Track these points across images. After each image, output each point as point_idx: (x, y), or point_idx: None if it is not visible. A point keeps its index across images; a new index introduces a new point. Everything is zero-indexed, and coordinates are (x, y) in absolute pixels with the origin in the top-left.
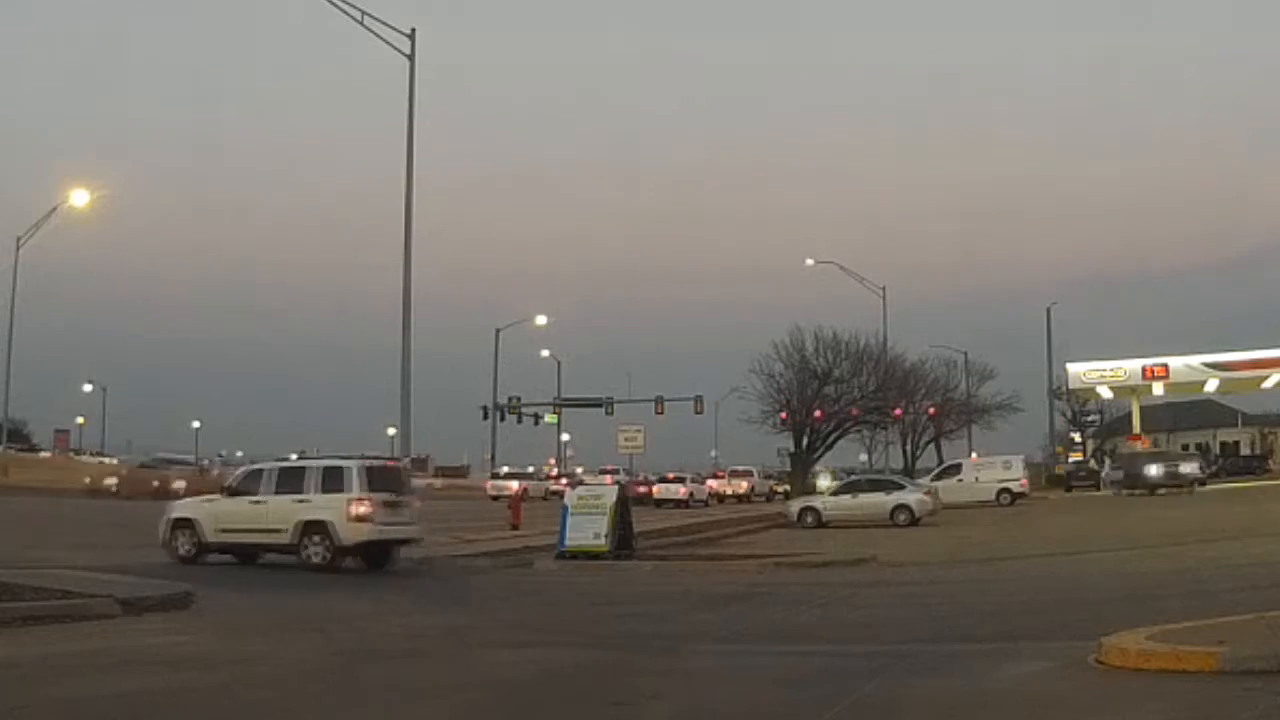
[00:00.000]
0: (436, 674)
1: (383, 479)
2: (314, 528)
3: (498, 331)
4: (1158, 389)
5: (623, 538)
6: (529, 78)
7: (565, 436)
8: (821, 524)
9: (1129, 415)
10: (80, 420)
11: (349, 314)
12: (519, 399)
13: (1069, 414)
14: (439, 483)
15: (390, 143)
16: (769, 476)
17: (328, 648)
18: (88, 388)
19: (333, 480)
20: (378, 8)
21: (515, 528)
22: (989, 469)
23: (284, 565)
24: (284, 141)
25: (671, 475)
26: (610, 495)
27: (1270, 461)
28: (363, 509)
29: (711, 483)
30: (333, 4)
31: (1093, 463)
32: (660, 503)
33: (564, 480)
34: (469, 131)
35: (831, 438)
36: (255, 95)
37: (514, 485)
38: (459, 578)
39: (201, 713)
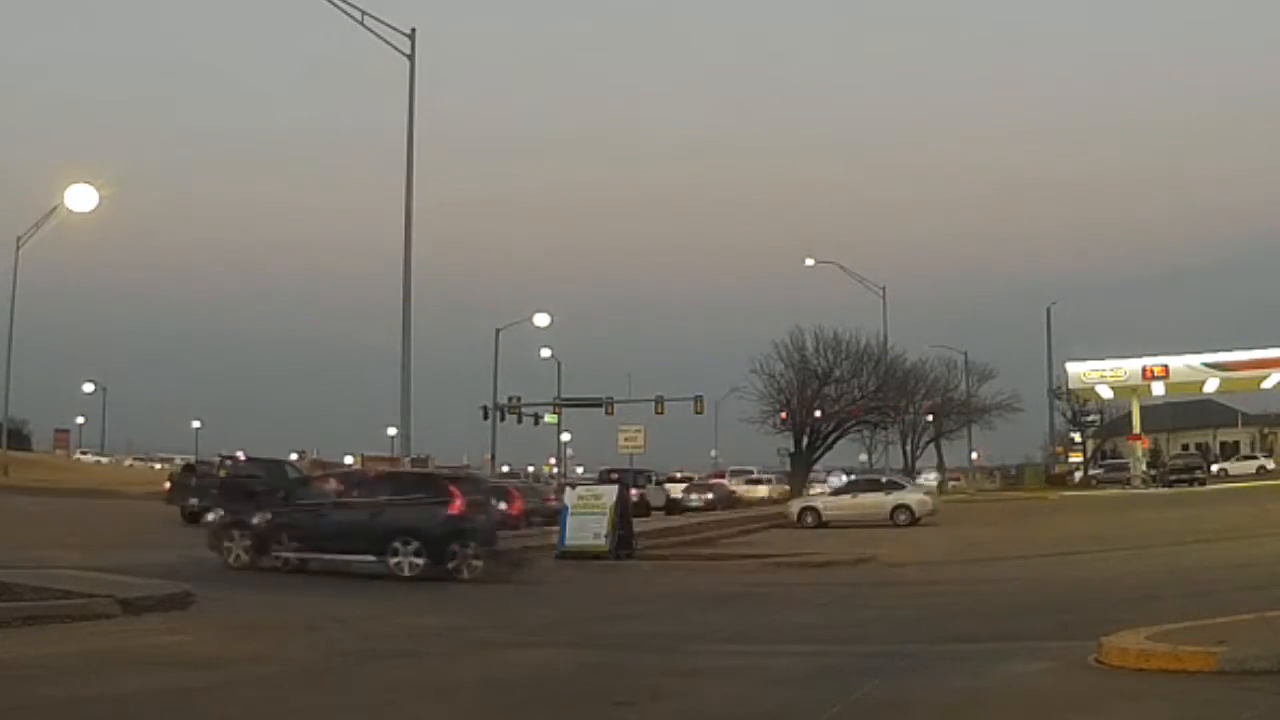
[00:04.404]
0: (436, 674)
1: None
2: None
3: (498, 331)
4: (1158, 389)
5: (623, 538)
6: (529, 76)
7: (565, 436)
8: (822, 524)
9: (1129, 415)
10: (80, 420)
11: (350, 314)
12: (519, 399)
13: (1069, 414)
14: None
15: (390, 142)
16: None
17: (328, 648)
18: (88, 388)
19: None
20: (378, 8)
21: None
22: None
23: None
24: (284, 140)
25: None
26: (610, 495)
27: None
28: None
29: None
30: (333, 4)
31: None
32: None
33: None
34: (469, 130)
35: (831, 438)
36: (255, 94)
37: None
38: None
39: (202, 713)
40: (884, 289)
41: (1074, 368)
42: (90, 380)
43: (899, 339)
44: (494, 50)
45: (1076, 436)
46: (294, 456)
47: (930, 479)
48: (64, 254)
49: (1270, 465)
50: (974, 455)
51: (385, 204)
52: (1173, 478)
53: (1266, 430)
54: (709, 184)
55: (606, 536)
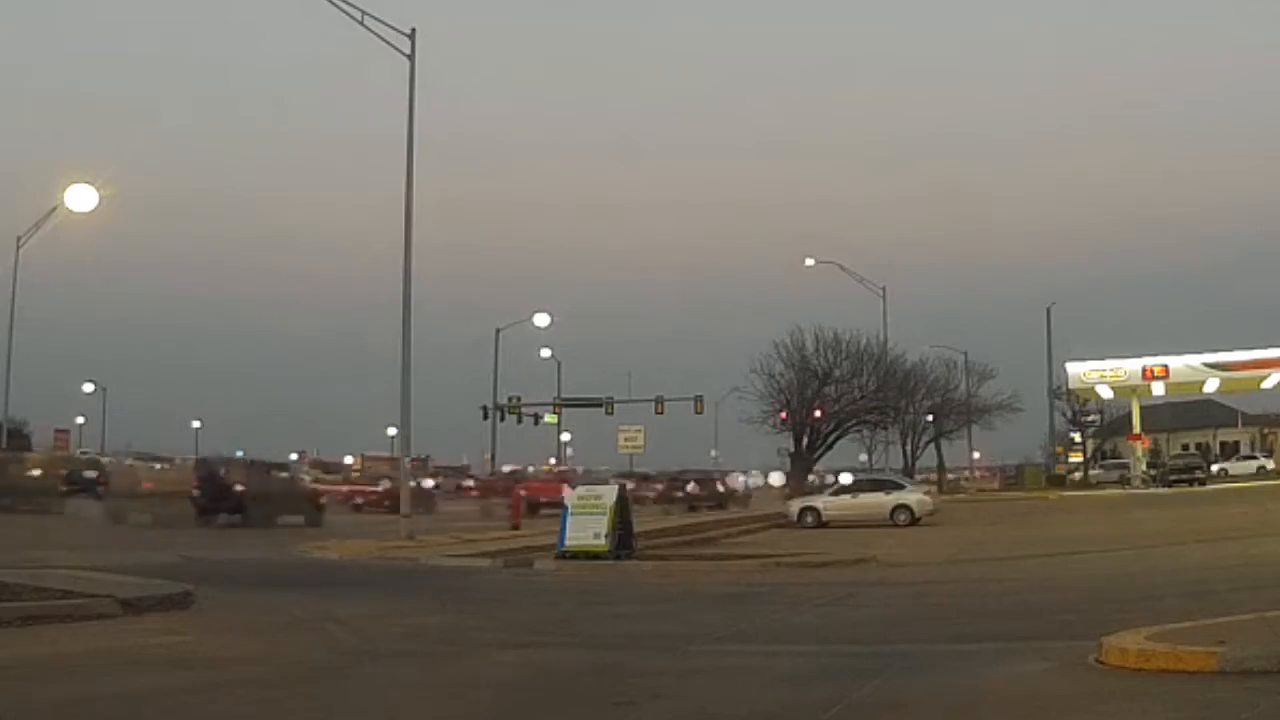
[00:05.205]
0: (436, 674)
1: None
2: None
3: (498, 331)
4: (1158, 389)
5: (623, 538)
6: (528, 76)
7: (565, 436)
8: (822, 524)
9: (1129, 415)
10: (80, 420)
11: (350, 314)
12: (519, 399)
13: (1069, 414)
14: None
15: (390, 143)
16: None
17: (328, 647)
18: (88, 388)
19: None
20: (378, 8)
21: (515, 528)
22: None
23: (283, 564)
24: (283, 140)
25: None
26: (610, 495)
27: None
28: None
29: None
30: (333, 4)
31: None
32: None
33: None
34: (468, 130)
35: (831, 438)
36: (255, 95)
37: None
38: (459, 578)
39: (202, 713)
40: (884, 289)
41: (1074, 368)
42: (90, 380)
43: (899, 339)
44: (494, 50)
45: (1076, 436)
46: (294, 457)
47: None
48: (64, 254)
49: (1270, 465)
50: (975, 455)
51: (385, 204)
52: (1173, 478)
53: (1266, 430)
54: (709, 184)
55: (606, 536)
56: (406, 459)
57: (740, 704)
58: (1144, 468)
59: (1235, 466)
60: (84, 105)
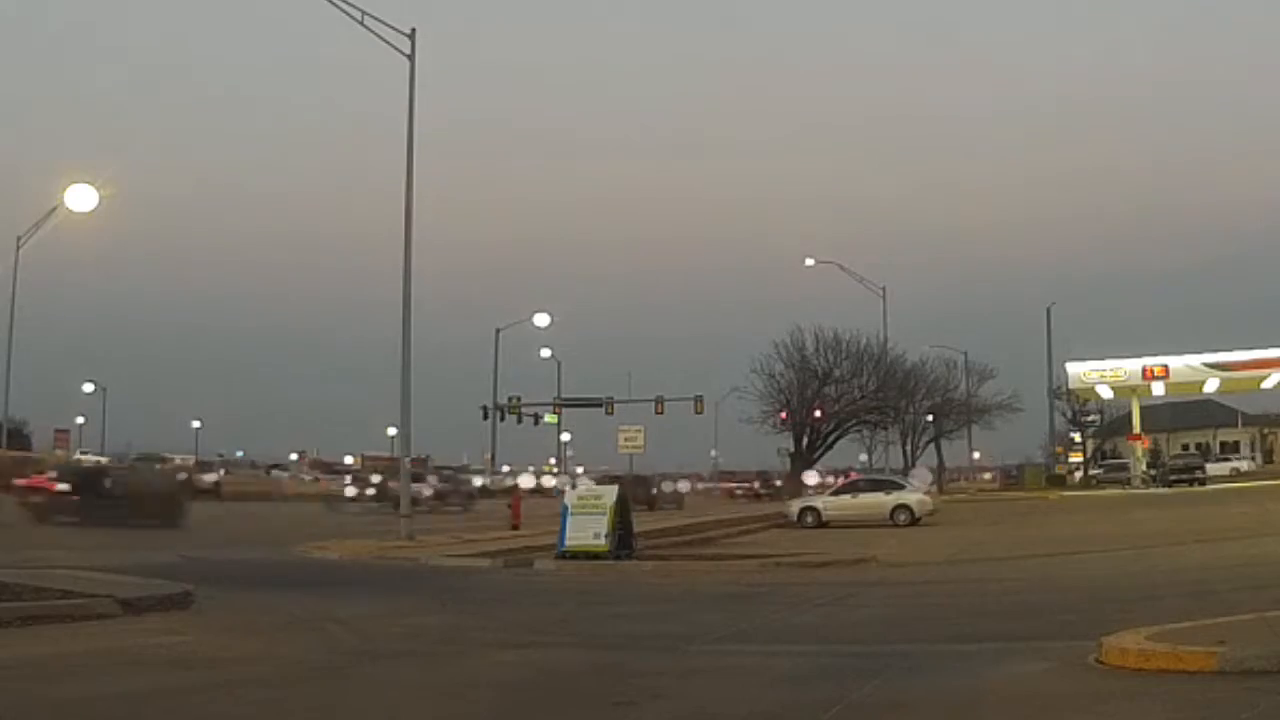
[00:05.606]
0: (437, 674)
1: None
2: None
3: (498, 331)
4: (1158, 389)
5: (623, 538)
6: (528, 75)
7: (565, 436)
8: (822, 524)
9: (1129, 415)
10: (80, 420)
11: (351, 313)
12: (519, 399)
13: (1069, 414)
14: None
15: (390, 142)
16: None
17: (328, 648)
18: (88, 388)
19: None
20: (378, 8)
21: (515, 528)
22: None
23: (283, 563)
24: (283, 140)
25: None
26: (610, 495)
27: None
28: None
29: None
30: (333, 4)
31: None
32: None
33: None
34: (469, 128)
35: (831, 438)
36: (254, 95)
37: None
38: (459, 578)
39: (202, 713)
40: (884, 289)
41: (1074, 368)
42: (90, 380)
43: (899, 339)
44: (494, 50)
45: (1076, 436)
46: (294, 457)
47: (916, 480)
48: (64, 254)
49: (1243, 466)
50: (975, 455)
51: (385, 203)
52: (1173, 478)
53: (1266, 430)
54: (709, 183)
55: (606, 536)
56: (406, 459)
57: (740, 704)
58: (1144, 468)
59: (1213, 467)
60: (84, 105)
